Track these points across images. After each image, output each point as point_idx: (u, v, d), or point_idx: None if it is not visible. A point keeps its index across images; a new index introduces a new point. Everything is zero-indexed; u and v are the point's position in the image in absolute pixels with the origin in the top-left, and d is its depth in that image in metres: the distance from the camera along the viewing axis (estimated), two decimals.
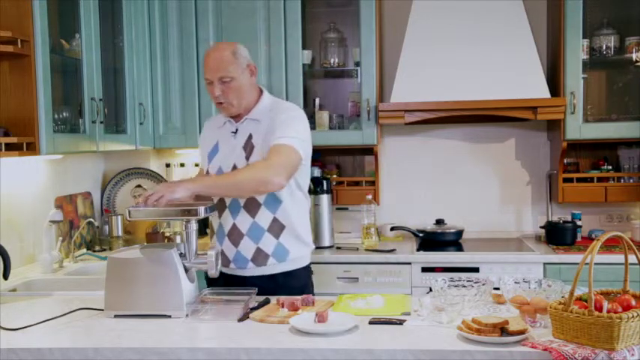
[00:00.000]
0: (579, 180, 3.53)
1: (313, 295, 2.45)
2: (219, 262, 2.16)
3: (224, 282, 2.41)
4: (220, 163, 2.44)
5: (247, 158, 2.36)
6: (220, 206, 2.41)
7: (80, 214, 3.36)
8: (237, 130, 2.43)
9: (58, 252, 2.92)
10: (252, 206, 2.37)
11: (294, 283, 2.43)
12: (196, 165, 3.89)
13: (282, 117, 2.34)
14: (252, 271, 2.41)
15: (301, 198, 2.46)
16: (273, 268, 2.41)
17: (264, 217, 2.38)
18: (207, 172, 2.48)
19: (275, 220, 2.39)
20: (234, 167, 2.38)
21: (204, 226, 3.71)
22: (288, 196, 2.39)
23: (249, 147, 2.38)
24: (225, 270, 2.43)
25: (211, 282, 2.44)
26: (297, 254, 2.44)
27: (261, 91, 2.47)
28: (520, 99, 3.31)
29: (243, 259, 2.40)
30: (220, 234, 2.44)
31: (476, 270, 3.20)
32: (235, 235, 2.40)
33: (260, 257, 2.39)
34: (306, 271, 2.53)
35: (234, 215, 2.39)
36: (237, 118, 2.44)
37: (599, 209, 3.72)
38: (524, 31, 3.42)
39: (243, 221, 2.38)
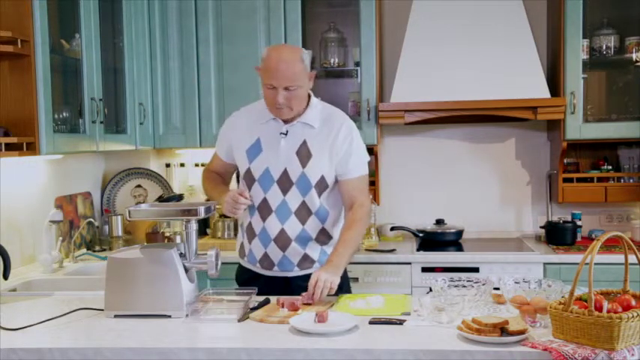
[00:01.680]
0: (579, 180, 3.53)
1: (350, 292, 2.51)
2: (219, 262, 2.16)
3: (265, 284, 2.40)
4: (267, 164, 2.36)
5: (303, 165, 2.33)
6: (265, 210, 2.37)
7: (80, 214, 3.36)
8: (287, 132, 2.37)
9: (58, 252, 2.92)
10: (304, 214, 2.37)
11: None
12: (197, 165, 3.88)
13: (349, 138, 2.39)
14: (296, 272, 2.42)
15: (341, 208, 2.49)
16: (316, 269, 2.39)
17: (313, 226, 2.39)
18: (249, 171, 2.39)
19: (323, 230, 2.41)
20: (285, 172, 2.34)
21: (204, 226, 3.71)
22: (334, 207, 2.44)
23: (304, 153, 2.34)
24: (266, 272, 2.43)
25: (247, 283, 2.42)
26: None
27: (307, 94, 2.43)
28: (520, 99, 3.31)
29: (290, 264, 2.41)
30: (265, 237, 2.39)
31: (476, 270, 3.20)
32: (283, 240, 2.38)
33: (306, 262, 2.41)
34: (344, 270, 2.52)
35: (284, 221, 2.37)
36: (284, 120, 2.39)
37: (599, 209, 3.72)
38: (524, 31, 3.42)
39: (293, 228, 2.37)
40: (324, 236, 2.42)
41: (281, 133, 2.37)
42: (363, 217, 2.38)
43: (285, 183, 2.35)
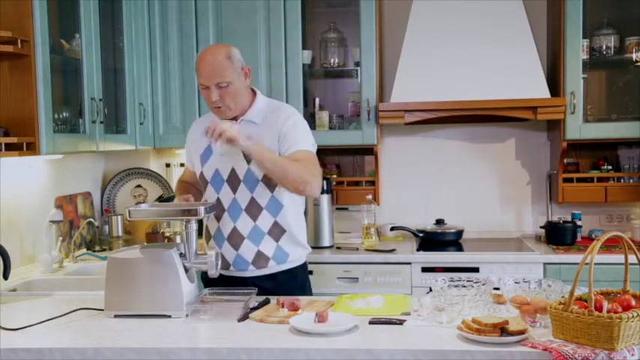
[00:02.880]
0: (579, 180, 3.53)
1: (311, 294, 2.50)
2: (219, 262, 2.17)
3: (224, 284, 2.40)
4: (217, 165, 2.42)
5: (249, 162, 2.35)
6: (219, 210, 2.40)
7: (80, 214, 3.36)
8: None
9: (58, 252, 2.92)
10: (254, 210, 2.38)
11: (294, 282, 2.46)
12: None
13: (289, 123, 2.36)
14: (252, 272, 2.42)
15: (299, 201, 2.49)
16: (273, 269, 2.42)
17: (265, 221, 2.39)
18: (202, 174, 2.46)
19: (276, 223, 2.40)
20: (233, 171, 2.38)
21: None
22: (289, 200, 2.41)
23: None
24: (224, 272, 2.43)
25: (210, 283, 2.43)
26: (295, 257, 2.47)
27: (253, 92, 2.46)
28: (520, 99, 3.31)
29: (244, 262, 2.41)
30: (219, 237, 2.43)
31: (476, 270, 3.20)
32: (236, 239, 2.40)
33: (261, 260, 2.40)
34: (304, 269, 2.55)
35: (235, 219, 2.39)
36: (232, 119, 2.42)
37: (599, 209, 3.72)
38: (524, 31, 3.42)
39: (245, 225, 2.38)
40: (277, 230, 2.40)
41: None
42: (306, 166, 2.27)
43: (234, 181, 2.38)
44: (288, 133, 2.34)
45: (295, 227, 2.45)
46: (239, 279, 2.43)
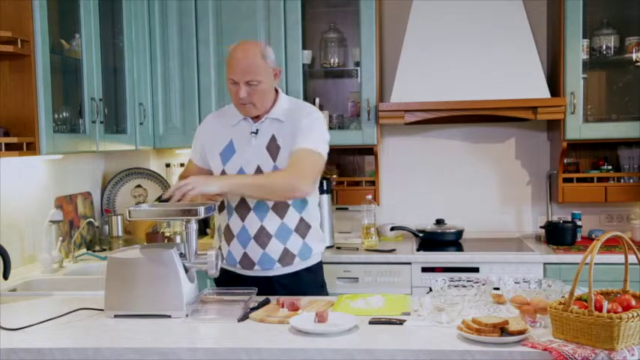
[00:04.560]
0: (579, 180, 3.53)
1: (327, 294, 2.51)
2: (219, 262, 2.16)
3: (245, 283, 2.38)
4: (241, 164, 2.38)
5: (274, 159, 2.34)
6: (243, 209, 2.37)
7: (80, 214, 3.36)
8: (257, 130, 2.39)
9: (58, 252, 2.92)
10: (280, 207, 2.37)
11: (316, 280, 2.49)
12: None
13: (305, 120, 2.35)
14: (277, 271, 2.41)
15: (317, 196, 2.50)
16: (297, 266, 2.42)
17: (292, 218, 2.39)
18: (223, 173, 2.41)
19: (302, 220, 2.41)
20: (259, 169, 2.35)
21: (204, 226, 3.71)
22: (313, 195, 2.42)
23: (273, 148, 2.36)
24: (247, 272, 2.42)
25: (228, 283, 2.40)
26: (317, 250, 2.48)
27: (275, 91, 2.45)
28: (520, 99, 3.31)
29: (270, 261, 2.39)
30: (244, 236, 2.39)
31: (476, 270, 3.20)
32: (263, 237, 2.37)
33: (287, 257, 2.40)
34: (321, 267, 2.56)
35: (262, 217, 2.37)
36: (255, 117, 2.40)
37: (599, 209, 3.72)
38: (524, 31, 3.42)
39: (272, 223, 2.37)
40: (303, 226, 2.41)
41: (251, 132, 2.40)
42: (288, 171, 2.26)
43: None
44: (299, 131, 2.33)
45: (316, 221, 2.47)
46: (263, 279, 2.41)
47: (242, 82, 2.29)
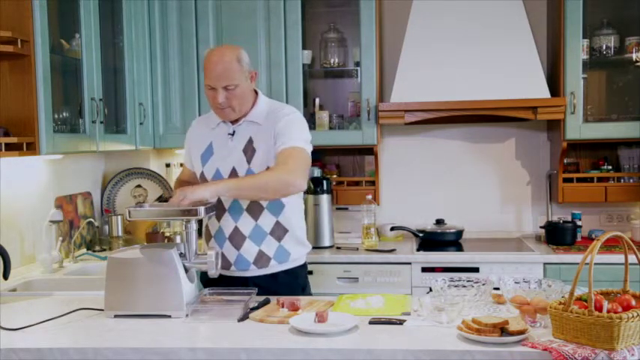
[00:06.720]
0: (579, 180, 3.53)
1: (310, 294, 2.50)
2: (220, 262, 2.17)
3: (224, 284, 2.40)
4: (218, 165, 2.42)
5: (249, 162, 2.36)
6: (220, 210, 2.40)
7: (80, 214, 3.36)
8: (234, 132, 2.42)
9: (58, 252, 2.92)
10: (255, 209, 2.38)
11: (295, 282, 2.47)
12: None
13: (283, 121, 2.35)
14: (253, 272, 2.42)
15: (298, 200, 2.50)
16: (274, 268, 2.43)
17: (267, 221, 2.39)
18: (202, 175, 2.46)
19: (278, 223, 2.41)
20: (234, 170, 2.38)
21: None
22: (290, 199, 2.41)
23: (249, 150, 2.38)
24: (225, 272, 2.42)
25: (210, 283, 2.42)
26: (296, 255, 2.48)
27: (256, 93, 2.47)
28: (520, 99, 3.32)
29: (245, 262, 2.41)
30: (220, 237, 2.43)
31: (476, 270, 3.20)
32: (237, 238, 2.40)
33: (262, 260, 2.41)
34: (304, 269, 2.55)
35: (236, 218, 2.39)
36: (234, 120, 2.43)
37: (599, 209, 3.72)
38: (524, 31, 3.42)
39: (246, 224, 2.39)
40: (280, 230, 2.41)
41: (228, 134, 2.42)
42: (280, 168, 2.25)
43: None
44: (280, 131, 2.34)
45: (297, 226, 2.46)
46: (240, 279, 2.43)
47: (219, 87, 2.31)
